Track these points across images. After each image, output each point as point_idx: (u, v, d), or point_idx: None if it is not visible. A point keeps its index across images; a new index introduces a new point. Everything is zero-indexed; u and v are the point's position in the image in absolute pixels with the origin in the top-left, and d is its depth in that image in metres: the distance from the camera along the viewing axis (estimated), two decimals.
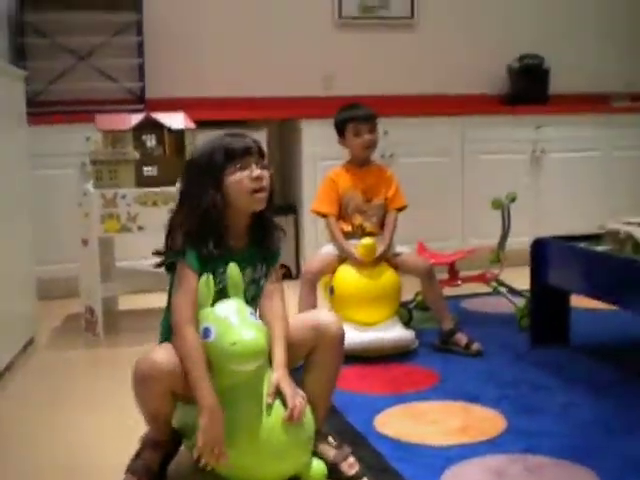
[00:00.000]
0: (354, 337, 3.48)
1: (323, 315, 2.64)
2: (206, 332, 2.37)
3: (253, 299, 2.56)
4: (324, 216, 3.88)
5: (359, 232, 3.84)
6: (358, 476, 2.50)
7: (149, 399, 2.40)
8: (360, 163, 3.94)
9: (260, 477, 2.42)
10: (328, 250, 3.85)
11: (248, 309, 2.43)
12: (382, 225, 3.91)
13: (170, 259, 2.49)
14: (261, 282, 2.61)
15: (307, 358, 2.57)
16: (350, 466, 2.51)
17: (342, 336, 2.58)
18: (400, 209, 3.98)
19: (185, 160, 2.65)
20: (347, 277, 3.72)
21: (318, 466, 2.48)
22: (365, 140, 3.87)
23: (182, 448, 2.59)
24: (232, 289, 2.45)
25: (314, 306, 3.68)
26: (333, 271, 3.78)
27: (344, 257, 3.77)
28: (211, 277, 2.41)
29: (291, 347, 2.52)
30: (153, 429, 2.52)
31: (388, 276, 3.73)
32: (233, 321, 2.36)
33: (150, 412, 2.47)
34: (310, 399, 2.49)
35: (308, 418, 2.46)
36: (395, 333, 3.68)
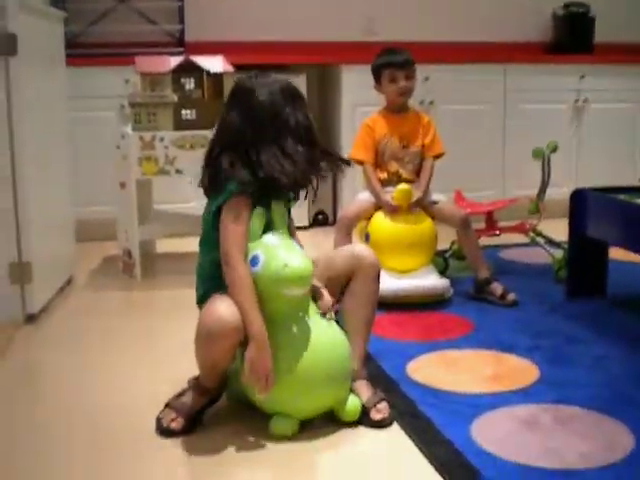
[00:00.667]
0: (389, 284, 3.49)
1: (358, 247, 2.76)
2: (254, 260, 2.42)
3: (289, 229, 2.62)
4: (360, 163, 3.85)
5: (395, 179, 3.82)
6: (384, 423, 2.52)
7: (214, 353, 2.41)
8: (397, 109, 3.89)
9: (298, 409, 2.45)
10: (365, 197, 3.84)
11: (292, 239, 2.52)
12: (419, 173, 3.88)
13: (228, 187, 2.44)
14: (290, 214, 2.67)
15: (345, 289, 2.64)
16: (378, 411, 2.54)
17: (377, 266, 2.67)
18: (437, 156, 3.93)
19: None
20: (383, 223, 3.71)
21: (353, 402, 2.52)
22: (400, 87, 3.82)
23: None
24: (278, 222, 2.51)
25: None
26: (369, 217, 3.77)
27: (380, 204, 3.76)
28: (263, 210, 2.46)
29: (330, 279, 2.61)
30: (208, 378, 2.51)
31: (424, 224, 3.72)
32: (281, 248, 2.42)
33: (211, 364, 2.47)
34: (350, 332, 2.57)
35: (346, 352, 2.50)
36: (430, 281, 3.68)
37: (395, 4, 5.96)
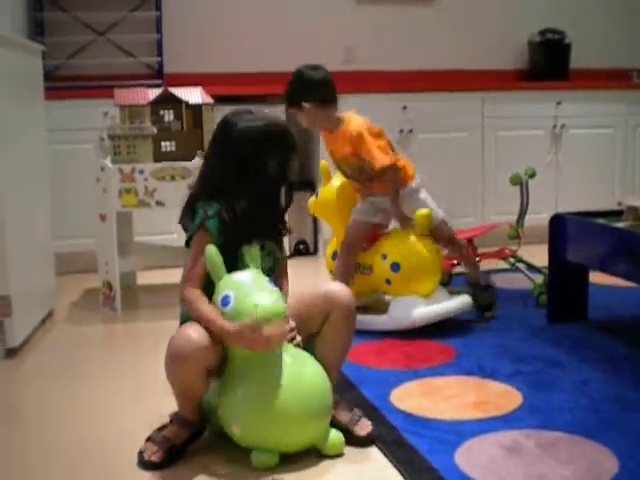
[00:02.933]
0: (428, 310, 3.61)
1: (332, 285, 2.72)
2: (225, 299, 2.41)
3: (270, 270, 2.60)
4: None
5: (366, 191, 3.81)
6: (370, 438, 2.54)
7: (184, 376, 2.41)
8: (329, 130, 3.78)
9: (277, 444, 2.43)
10: (360, 217, 3.81)
11: (265, 277, 2.48)
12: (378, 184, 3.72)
13: (195, 224, 2.53)
14: (277, 254, 2.65)
15: (320, 329, 2.60)
16: (362, 428, 2.56)
17: (352, 303, 2.62)
18: (382, 170, 3.64)
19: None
20: (414, 251, 3.66)
21: (336, 436, 2.50)
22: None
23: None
24: (251, 261, 2.51)
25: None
26: (369, 238, 3.79)
27: (375, 222, 3.79)
28: (214, 247, 2.46)
29: (304, 319, 2.58)
30: (184, 408, 2.52)
31: (434, 245, 3.74)
32: (252, 286, 2.42)
33: (184, 390, 2.47)
34: (325, 367, 2.53)
35: (326, 387, 2.49)
36: (460, 300, 3.73)
37: (373, 34, 6.01)
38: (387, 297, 3.82)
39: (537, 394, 2.91)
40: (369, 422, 2.60)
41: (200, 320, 2.43)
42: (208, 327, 2.40)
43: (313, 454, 2.49)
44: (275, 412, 2.38)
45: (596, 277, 3.84)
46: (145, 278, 4.72)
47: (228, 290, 2.42)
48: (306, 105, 3.62)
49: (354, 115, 3.75)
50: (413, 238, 3.67)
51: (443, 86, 5.66)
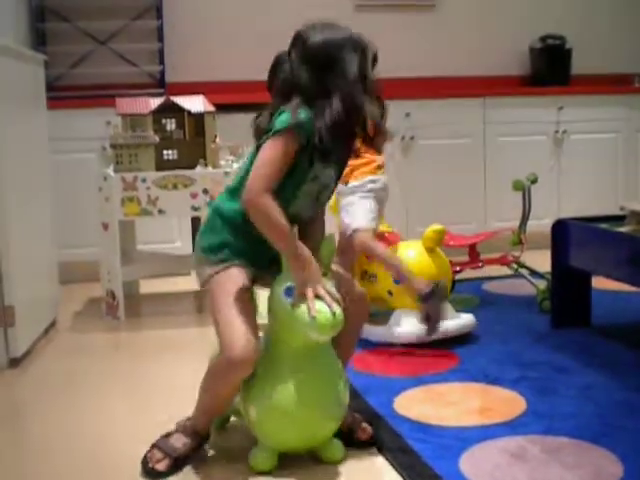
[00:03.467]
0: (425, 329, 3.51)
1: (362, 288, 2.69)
2: (288, 291, 2.36)
3: (322, 202, 2.55)
4: None
5: None
6: (371, 441, 2.56)
7: (227, 386, 2.39)
8: None
9: (287, 441, 2.44)
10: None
11: (329, 281, 2.41)
12: None
13: (284, 122, 2.32)
14: (331, 186, 2.55)
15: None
16: (363, 431, 2.57)
17: (365, 294, 2.63)
18: None
19: None
20: (423, 267, 3.60)
21: (338, 444, 2.51)
22: None
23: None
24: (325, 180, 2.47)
25: None
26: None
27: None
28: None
29: None
30: (201, 421, 2.48)
31: (444, 258, 3.71)
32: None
33: (216, 402, 2.45)
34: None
35: (345, 392, 2.49)
36: (466, 318, 3.68)
37: (372, 40, 5.99)
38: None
39: (541, 400, 2.90)
40: (369, 426, 2.60)
41: (272, 231, 2.31)
42: (274, 239, 2.32)
43: (314, 461, 2.49)
44: (294, 405, 2.37)
45: (599, 282, 3.84)
46: (148, 286, 4.72)
47: (292, 283, 2.36)
48: None
49: None
50: (421, 251, 3.64)
51: (445, 92, 5.67)
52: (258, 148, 2.38)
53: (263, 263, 2.47)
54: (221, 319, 2.37)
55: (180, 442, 2.47)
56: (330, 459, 2.48)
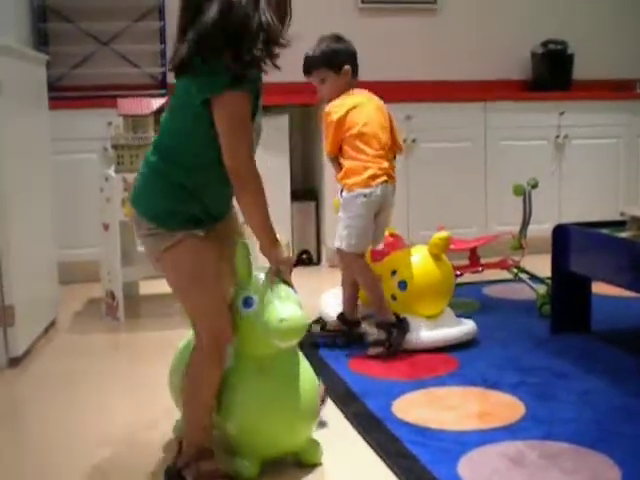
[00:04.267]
0: (428, 336, 3.55)
1: None
2: (248, 301, 2.33)
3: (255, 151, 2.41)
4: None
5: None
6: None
7: (216, 379, 2.33)
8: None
9: (270, 447, 2.43)
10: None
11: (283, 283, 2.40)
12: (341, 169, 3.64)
13: (222, 77, 2.20)
14: (261, 133, 2.52)
15: None
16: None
17: None
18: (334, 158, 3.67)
19: None
20: (424, 271, 3.61)
21: (316, 445, 2.52)
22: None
23: None
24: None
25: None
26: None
27: None
28: (247, 245, 2.38)
29: None
30: (203, 436, 2.38)
31: (448, 265, 3.71)
32: (275, 296, 2.34)
33: (209, 408, 2.38)
34: None
35: (315, 394, 2.48)
36: (464, 327, 3.67)
37: (376, 44, 6.02)
38: None
39: (540, 405, 2.90)
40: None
41: (257, 203, 2.28)
42: (256, 211, 2.29)
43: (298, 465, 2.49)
44: (267, 413, 2.37)
45: (599, 287, 3.84)
46: (148, 287, 4.72)
47: (251, 292, 2.34)
48: (346, 67, 3.61)
49: (358, 94, 3.68)
50: (426, 258, 3.64)
51: (446, 96, 5.67)
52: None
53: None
54: (202, 302, 2.30)
55: (209, 466, 2.36)
56: (310, 461, 2.49)
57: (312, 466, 2.48)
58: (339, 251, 3.59)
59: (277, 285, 2.37)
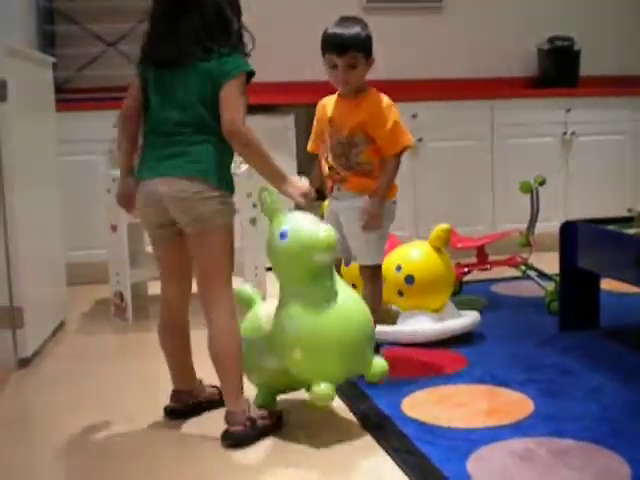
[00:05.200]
0: (441, 326, 3.60)
1: None
2: (282, 234, 2.63)
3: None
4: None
5: (333, 176, 3.19)
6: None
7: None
8: (345, 94, 3.20)
9: (335, 371, 2.64)
10: None
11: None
12: (364, 172, 3.12)
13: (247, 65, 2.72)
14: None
15: None
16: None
17: None
18: (399, 153, 3.11)
19: None
20: (430, 264, 3.64)
21: (380, 363, 2.72)
22: (337, 77, 3.11)
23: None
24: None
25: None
26: None
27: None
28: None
29: None
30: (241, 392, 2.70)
31: (448, 257, 3.72)
32: (307, 222, 2.65)
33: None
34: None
35: (369, 320, 2.70)
36: (470, 317, 3.70)
37: (381, 42, 5.99)
38: (394, 307, 3.81)
39: (549, 402, 2.90)
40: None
41: (262, 157, 2.67)
42: (263, 164, 2.69)
43: (320, 460, 2.49)
44: (336, 336, 2.58)
45: (607, 284, 3.83)
46: (156, 288, 4.71)
47: (285, 226, 2.64)
48: (373, 58, 3.18)
49: None
50: (430, 251, 3.66)
51: (453, 94, 5.67)
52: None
53: None
54: (230, 269, 2.72)
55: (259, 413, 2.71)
56: (373, 378, 2.73)
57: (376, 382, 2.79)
58: (371, 268, 3.21)
59: (305, 215, 2.69)
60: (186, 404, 2.90)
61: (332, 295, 2.63)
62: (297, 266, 2.63)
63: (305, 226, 2.62)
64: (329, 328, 2.58)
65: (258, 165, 2.71)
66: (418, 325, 3.60)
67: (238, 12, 2.74)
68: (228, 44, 2.65)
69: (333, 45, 3.09)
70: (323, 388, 2.59)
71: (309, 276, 2.63)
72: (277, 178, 2.71)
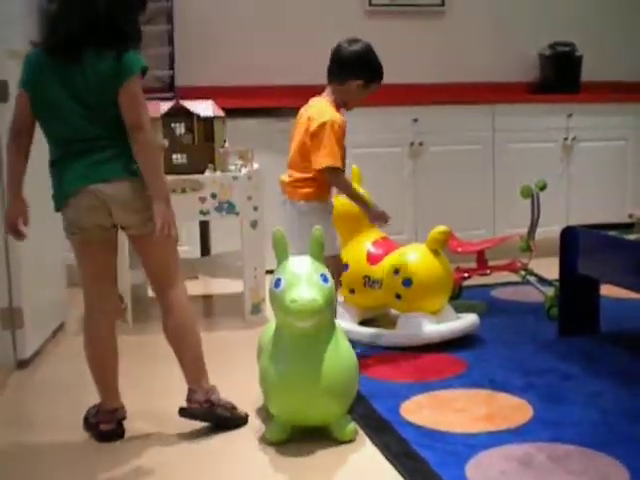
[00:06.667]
0: (439, 328, 3.61)
1: None
2: (277, 282, 2.63)
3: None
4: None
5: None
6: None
7: None
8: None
9: (293, 415, 2.67)
10: None
11: (320, 269, 2.67)
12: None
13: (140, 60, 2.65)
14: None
15: None
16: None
17: None
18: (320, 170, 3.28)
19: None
20: (428, 267, 3.63)
21: (351, 424, 2.71)
22: (363, 100, 3.51)
23: None
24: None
25: None
26: None
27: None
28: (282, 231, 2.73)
29: None
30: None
31: (446, 260, 3.72)
32: (300, 279, 2.60)
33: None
34: None
35: (354, 377, 2.73)
36: (469, 319, 3.71)
37: (383, 46, 5.99)
38: (393, 311, 3.81)
39: (548, 407, 2.90)
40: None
41: (159, 165, 2.63)
42: (159, 173, 2.61)
43: (316, 463, 2.49)
44: (294, 380, 2.61)
45: (607, 290, 3.83)
46: None
47: (282, 275, 2.63)
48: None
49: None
50: (427, 253, 3.65)
51: (454, 99, 5.67)
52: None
53: None
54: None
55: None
56: (339, 437, 2.66)
57: (343, 442, 2.66)
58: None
59: (314, 270, 2.64)
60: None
61: (310, 348, 2.63)
62: (283, 316, 2.64)
63: (293, 286, 2.58)
64: (288, 375, 2.63)
65: (156, 175, 2.63)
66: (417, 327, 3.60)
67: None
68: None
69: (382, 75, 3.52)
70: (272, 433, 2.69)
71: (291, 332, 2.65)
72: (163, 189, 2.62)
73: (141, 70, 2.61)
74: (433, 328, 3.59)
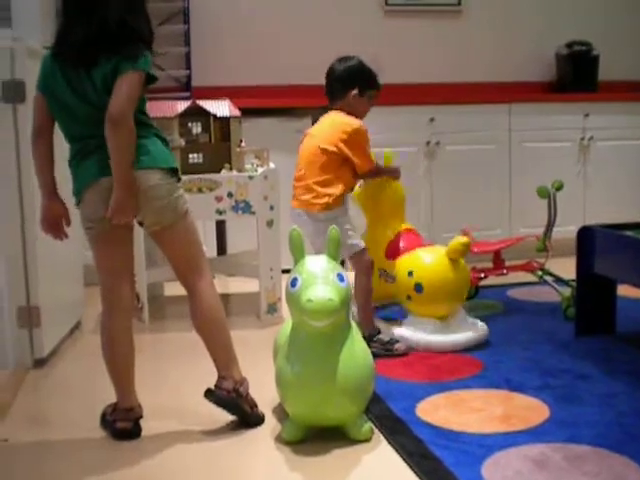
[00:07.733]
0: (438, 339, 3.60)
1: None
2: (294, 282, 2.63)
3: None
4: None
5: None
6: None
7: None
8: None
9: (317, 416, 2.67)
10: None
11: (337, 269, 2.66)
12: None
13: (143, 58, 2.69)
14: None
15: None
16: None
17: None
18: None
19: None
20: (439, 272, 3.62)
21: (366, 424, 2.71)
22: (369, 110, 3.73)
23: None
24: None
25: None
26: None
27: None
28: (299, 231, 2.71)
29: None
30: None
31: (463, 265, 3.69)
32: (317, 278, 2.60)
33: None
34: None
35: (369, 377, 2.72)
36: (474, 330, 3.67)
37: (400, 46, 6.01)
38: None
39: (564, 407, 2.89)
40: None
41: (129, 150, 2.59)
42: (127, 158, 2.59)
43: (330, 461, 2.49)
44: (309, 380, 2.61)
45: (624, 290, 3.82)
46: (172, 289, 4.73)
47: (298, 274, 2.63)
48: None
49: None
50: (445, 262, 3.62)
51: (470, 98, 5.66)
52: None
53: None
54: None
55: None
56: (354, 437, 2.67)
57: (359, 442, 2.66)
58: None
59: (330, 270, 2.64)
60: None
61: (326, 348, 2.62)
62: (299, 315, 2.64)
63: (310, 285, 2.59)
64: (302, 374, 2.63)
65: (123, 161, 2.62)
66: (420, 333, 3.61)
67: None
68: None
69: (378, 82, 3.70)
70: (288, 432, 2.70)
71: (307, 331, 2.65)
72: (129, 177, 2.62)
73: (143, 71, 2.66)
74: (433, 338, 3.59)
